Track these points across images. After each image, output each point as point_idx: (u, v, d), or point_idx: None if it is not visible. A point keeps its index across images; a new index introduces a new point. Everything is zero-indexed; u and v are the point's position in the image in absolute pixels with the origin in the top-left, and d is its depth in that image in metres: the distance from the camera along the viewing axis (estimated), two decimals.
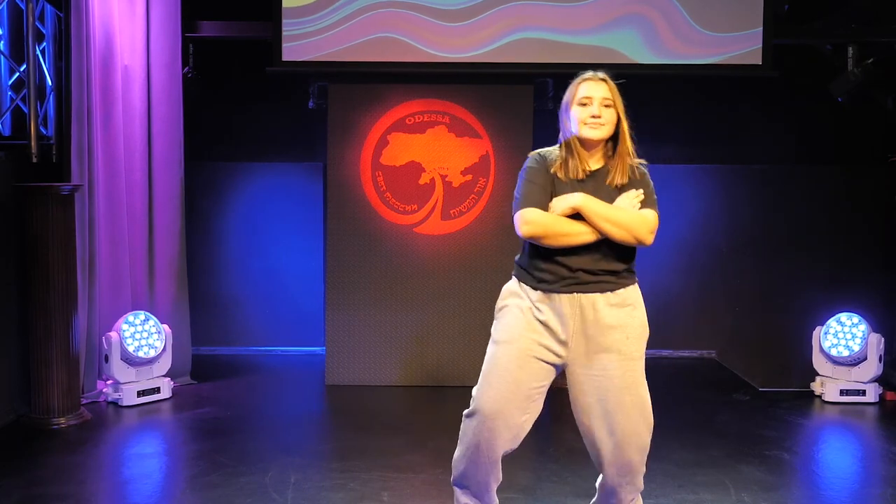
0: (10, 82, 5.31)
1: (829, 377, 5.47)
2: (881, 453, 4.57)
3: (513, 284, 3.08)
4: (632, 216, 2.97)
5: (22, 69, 5.17)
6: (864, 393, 5.34)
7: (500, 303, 3.09)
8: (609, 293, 2.97)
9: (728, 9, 5.61)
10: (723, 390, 5.71)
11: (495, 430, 2.97)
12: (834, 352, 5.45)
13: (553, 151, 3.05)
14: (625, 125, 3.00)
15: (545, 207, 2.94)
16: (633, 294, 3.04)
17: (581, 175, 2.98)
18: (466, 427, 3.06)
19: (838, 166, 6.60)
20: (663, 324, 6.66)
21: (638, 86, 6.23)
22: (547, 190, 2.97)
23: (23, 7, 5.08)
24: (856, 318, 5.47)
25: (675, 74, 5.80)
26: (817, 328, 5.57)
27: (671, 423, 4.92)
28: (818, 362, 5.54)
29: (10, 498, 3.76)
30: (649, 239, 3.03)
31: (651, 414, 3.03)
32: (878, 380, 5.42)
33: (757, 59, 5.64)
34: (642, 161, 3.09)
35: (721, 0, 5.61)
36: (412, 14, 5.59)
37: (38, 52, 5.18)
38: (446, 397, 5.52)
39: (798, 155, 6.64)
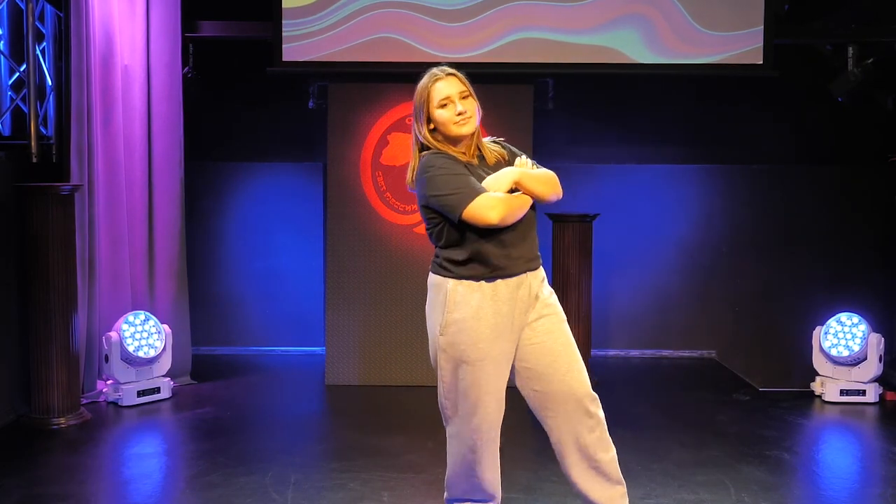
0: (10, 82, 5.31)
1: (829, 377, 5.47)
2: (881, 453, 4.57)
3: (450, 291, 2.98)
4: (548, 174, 3.06)
5: (22, 69, 5.17)
6: (864, 393, 5.34)
7: (447, 315, 2.98)
8: (535, 271, 3.04)
9: (728, 8, 5.61)
10: (723, 390, 5.71)
11: (493, 441, 3.05)
12: (834, 352, 5.45)
13: (442, 150, 3.04)
14: (477, 111, 3.06)
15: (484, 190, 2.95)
16: (542, 269, 3.12)
17: (472, 161, 3.03)
18: (459, 447, 3.06)
19: (838, 166, 6.60)
20: (663, 324, 6.67)
21: (638, 86, 6.31)
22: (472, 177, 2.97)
23: (23, 7, 5.09)
24: (856, 318, 5.47)
25: (676, 74, 5.80)
26: (817, 328, 5.57)
27: (671, 423, 4.92)
28: (818, 362, 5.54)
29: (10, 498, 3.76)
30: (561, 192, 3.08)
31: (587, 378, 3.09)
32: (878, 380, 5.42)
33: (757, 59, 5.64)
34: (493, 139, 3.17)
35: (721, 0, 5.61)
36: (412, 14, 5.59)
37: (38, 52, 5.18)
38: None
39: (798, 155, 6.64)
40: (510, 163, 3.07)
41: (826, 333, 5.51)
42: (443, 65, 3.16)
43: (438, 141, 3.04)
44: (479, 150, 3.08)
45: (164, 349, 5.40)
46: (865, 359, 5.36)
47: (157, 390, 5.34)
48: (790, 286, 6.59)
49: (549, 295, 3.08)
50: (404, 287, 5.78)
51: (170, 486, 4.05)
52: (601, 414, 3.06)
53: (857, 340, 5.40)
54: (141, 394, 5.25)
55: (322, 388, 5.75)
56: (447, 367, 3.01)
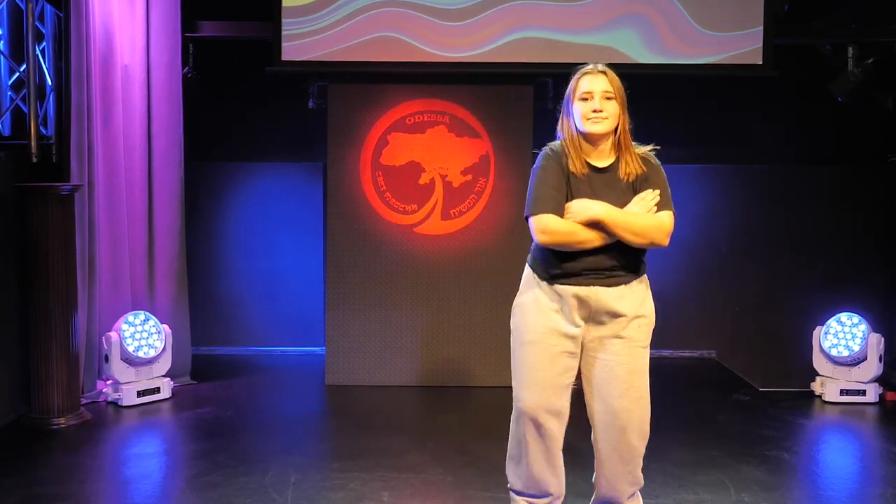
0: (10, 82, 5.31)
1: (829, 377, 5.47)
2: (881, 453, 4.57)
3: (528, 276, 3.14)
4: (649, 222, 2.99)
5: (22, 69, 5.17)
6: (864, 393, 5.34)
7: (518, 298, 3.15)
8: (620, 286, 3.03)
9: (728, 8, 5.61)
10: (723, 390, 5.71)
11: (544, 429, 3.08)
12: (834, 352, 5.45)
13: (562, 147, 3.04)
14: (624, 117, 3.01)
15: (560, 209, 2.96)
16: (641, 286, 3.12)
17: (584, 170, 2.99)
18: (517, 430, 3.15)
19: (838, 166, 6.60)
20: (663, 324, 6.59)
21: (638, 86, 6.29)
22: (562, 190, 2.98)
23: (23, 7, 5.08)
24: (856, 318, 5.47)
25: (675, 74, 5.79)
26: (817, 328, 5.57)
27: (671, 423, 4.92)
28: (818, 362, 5.54)
29: (11, 498, 3.76)
30: (665, 242, 3.05)
31: (649, 404, 3.12)
32: (878, 380, 5.42)
33: (757, 59, 5.64)
34: (654, 147, 3.12)
35: (721, 0, 5.61)
36: (412, 14, 5.59)
37: (38, 52, 5.18)
38: (447, 397, 5.52)
39: (798, 155, 6.64)
40: (640, 183, 3.01)
41: (826, 333, 5.51)
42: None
43: (572, 136, 3.01)
44: (619, 159, 3.03)
45: (164, 349, 5.40)
46: (865, 359, 5.36)
47: (157, 390, 5.33)
48: (790, 286, 6.59)
49: (632, 316, 3.06)
50: (404, 287, 5.78)
51: (170, 486, 4.05)
52: (641, 448, 3.09)
53: (857, 340, 5.40)
54: (141, 394, 5.25)
55: (322, 388, 5.74)
56: (513, 346, 3.13)
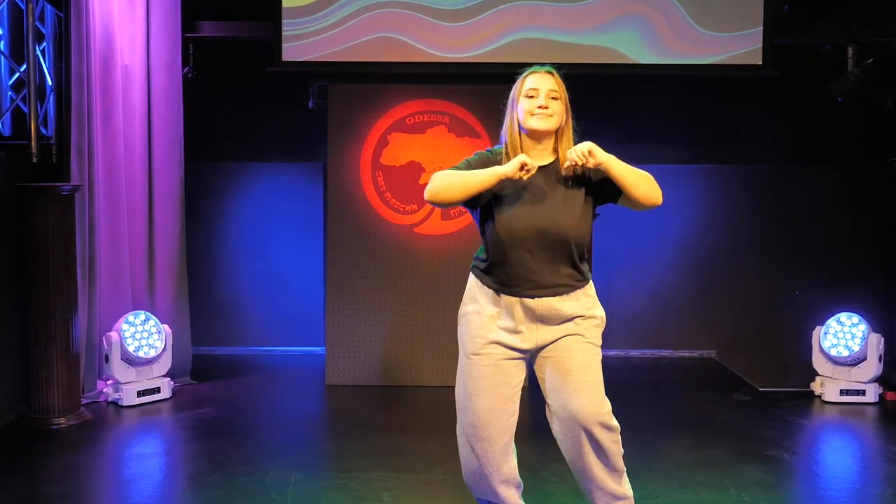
0: (10, 82, 5.31)
1: (829, 377, 5.47)
2: (881, 453, 4.57)
3: (472, 288, 3.09)
4: (645, 173, 2.96)
5: (22, 69, 5.17)
6: (864, 393, 5.34)
7: (462, 308, 3.11)
8: (563, 295, 2.98)
9: (728, 9, 5.61)
10: (723, 390, 5.71)
11: (489, 440, 3.03)
12: (834, 352, 5.45)
13: (500, 151, 3.03)
14: (569, 118, 3.01)
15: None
16: (588, 292, 3.05)
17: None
18: (461, 444, 3.13)
19: (838, 166, 6.60)
20: (663, 324, 6.67)
21: (638, 86, 6.31)
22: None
23: (23, 7, 5.08)
24: (856, 318, 5.47)
25: (675, 74, 5.80)
26: (817, 328, 5.57)
27: (671, 423, 4.92)
28: (818, 362, 5.54)
29: (11, 498, 3.76)
30: (660, 195, 3.00)
31: (605, 397, 3.02)
32: (878, 380, 5.42)
33: (757, 59, 5.64)
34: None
35: (721, 0, 5.61)
36: (412, 14, 5.59)
37: (38, 52, 5.18)
38: (447, 397, 5.50)
39: (798, 155, 6.64)
40: (581, 176, 2.96)
41: (826, 333, 5.51)
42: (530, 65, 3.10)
43: (513, 136, 3.01)
44: (558, 159, 2.99)
45: (164, 349, 5.40)
46: (865, 359, 5.36)
47: (158, 390, 5.33)
48: (790, 286, 6.59)
49: (581, 317, 3.01)
50: (404, 287, 5.79)
51: (170, 486, 4.05)
52: (610, 439, 2.99)
53: (857, 340, 5.40)
54: (141, 394, 5.25)
55: (322, 388, 5.75)
56: (460, 356, 3.11)
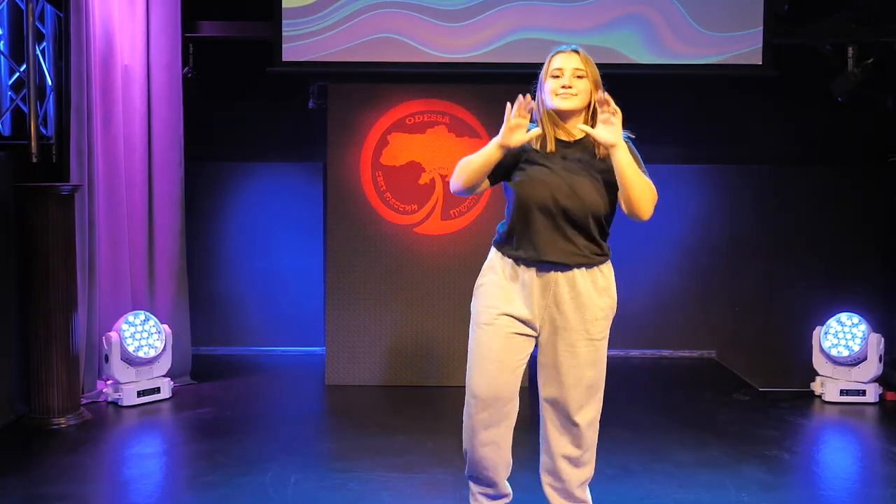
0: (10, 82, 5.31)
1: (829, 377, 5.47)
2: (881, 453, 4.57)
3: (492, 258, 3.15)
4: (650, 182, 2.98)
5: (22, 69, 5.17)
6: (864, 393, 5.34)
7: (479, 279, 3.17)
8: (581, 269, 3.02)
9: (728, 9, 5.61)
10: (723, 390, 5.71)
11: (493, 413, 3.06)
12: (834, 352, 5.45)
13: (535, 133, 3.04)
14: (596, 96, 3.00)
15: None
16: (604, 272, 3.10)
17: (553, 148, 2.99)
18: (465, 414, 3.13)
19: (838, 166, 6.60)
20: (663, 324, 6.67)
21: (638, 86, 6.30)
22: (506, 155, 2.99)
23: (23, 7, 5.08)
24: (856, 318, 5.47)
25: (675, 74, 5.80)
26: (817, 328, 5.57)
27: (671, 423, 4.92)
28: (818, 362, 5.54)
29: (10, 498, 3.76)
30: (651, 211, 3.02)
31: (601, 395, 3.10)
32: (878, 380, 5.42)
33: (757, 59, 5.64)
34: (629, 134, 3.06)
35: (721, 0, 5.61)
36: (412, 14, 5.59)
37: (38, 52, 5.18)
38: (446, 397, 5.51)
39: (798, 155, 6.64)
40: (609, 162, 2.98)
41: (826, 333, 5.51)
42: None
43: (545, 114, 3.03)
44: (590, 137, 3.00)
45: (164, 349, 5.40)
46: (865, 359, 5.36)
47: (157, 390, 5.33)
48: (790, 286, 6.59)
49: (591, 306, 3.04)
50: (405, 287, 5.79)
51: (170, 486, 4.05)
52: (592, 438, 3.09)
53: (857, 340, 5.40)
54: (141, 394, 5.25)
55: (322, 388, 5.75)
56: (471, 329, 3.13)
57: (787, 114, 6.54)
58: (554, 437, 3.14)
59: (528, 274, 3.03)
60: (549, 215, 2.97)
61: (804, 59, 6.29)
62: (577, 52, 3.03)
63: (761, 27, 5.61)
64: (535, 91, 3.10)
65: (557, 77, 3.00)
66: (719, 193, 6.63)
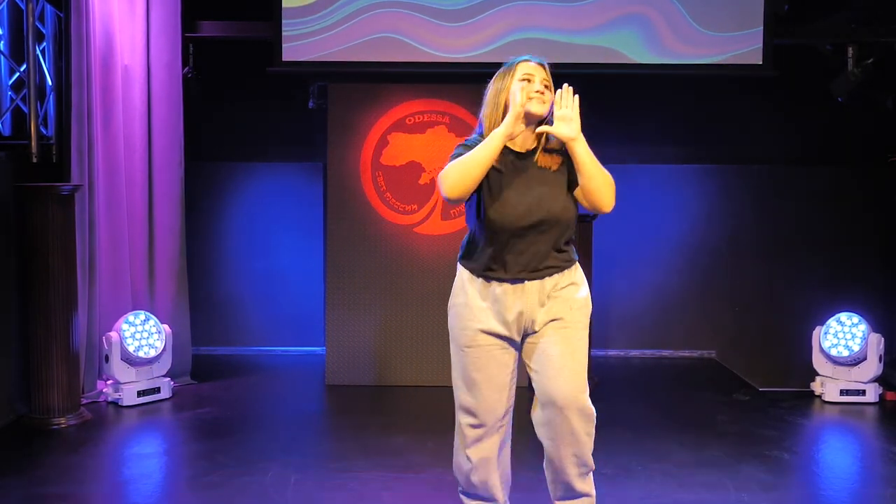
0: (10, 82, 5.31)
1: (829, 377, 5.47)
2: (881, 453, 4.57)
3: (460, 277, 3.14)
4: (607, 174, 2.98)
5: (22, 69, 5.17)
6: (864, 393, 5.34)
7: (451, 299, 3.17)
8: (553, 276, 3.03)
9: (728, 9, 5.61)
10: (723, 390, 5.71)
11: (488, 431, 3.10)
12: (834, 352, 5.45)
13: (477, 141, 3.00)
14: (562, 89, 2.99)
15: None
16: (574, 275, 3.09)
17: (505, 157, 2.95)
18: (459, 434, 3.16)
19: (838, 166, 6.60)
20: (663, 324, 6.67)
21: (638, 86, 6.31)
22: None
23: (23, 7, 5.08)
24: (856, 318, 5.47)
25: (675, 74, 5.80)
26: (817, 328, 5.57)
27: (671, 423, 4.92)
28: (818, 362, 5.54)
29: (10, 498, 3.76)
30: (612, 202, 3.01)
31: (586, 384, 3.05)
32: (878, 380, 5.42)
33: (757, 59, 5.64)
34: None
35: (721, 0, 5.61)
36: (412, 14, 5.59)
37: (38, 52, 5.18)
38: (446, 397, 5.48)
39: (798, 155, 6.64)
40: (565, 164, 2.99)
41: (826, 333, 5.51)
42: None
43: (497, 122, 2.97)
44: (539, 146, 3.00)
45: (164, 349, 5.40)
46: (865, 359, 5.36)
47: (157, 390, 5.33)
48: (790, 286, 6.59)
49: (565, 299, 3.03)
50: (404, 287, 5.79)
51: (170, 486, 4.05)
52: (585, 428, 3.02)
53: (857, 340, 5.40)
54: (141, 394, 5.25)
55: (322, 388, 5.75)
56: (451, 348, 3.18)
57: (787, 114, 6.54)
58: (551, 440, 3.10)
59: (500, 288, 3.03)
60: (517, 234, 2.97)
61: (804, 59, 6.29)
62: (542, 65, 3.04)
63: (761, 27, 5.61)
64: (485, 94, 3.07)
65: (529, 81, 2.98)
66: (719, 193, 6.63)
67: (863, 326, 5.43)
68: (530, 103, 2.95)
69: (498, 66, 5.88)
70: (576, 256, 3.12)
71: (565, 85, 2.92)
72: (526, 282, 3.01)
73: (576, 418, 2.99)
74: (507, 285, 3.02)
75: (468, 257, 3.11)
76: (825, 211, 6.59)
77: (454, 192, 2.87)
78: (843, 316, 5.49)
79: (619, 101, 6.39)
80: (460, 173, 2.86)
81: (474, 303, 3.06)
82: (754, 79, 6.11)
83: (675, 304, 6.64)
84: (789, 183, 6.61)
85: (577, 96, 2.92)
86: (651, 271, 6.60)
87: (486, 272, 3.04)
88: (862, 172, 6.57)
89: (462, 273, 3.14)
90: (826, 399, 5.39)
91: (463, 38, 5.60)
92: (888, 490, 3.96)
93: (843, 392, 5.36)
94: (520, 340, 3.10)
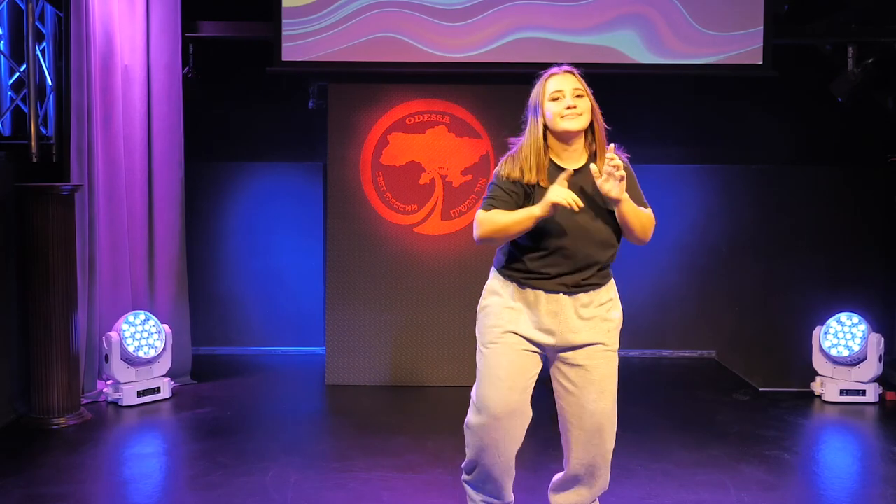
0: (10, 82, 5.31)
1: (829, 377, 5.47)
2: (881, 453, 4.57)
3: (494, 282, 3.13)
4: (650, 217, 3.03)
5: (22, 69, 5.17)
6: (864, 393, 5.34)
7: (482, 302, 3.15)
8: (589, 293, 3.03)
9: (728, 8, 5.61)
10: (723, 390, 5.71)
11: (508, 431, 3.07)
12: (834, 352, 5.45)
13: (527, 157, 2.97)
14: (598, 115, 3.00)
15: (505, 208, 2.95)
16: (609, 291, 3.11)
17: (543, 177, 2.94)
18: (476, 432, 3.10)
19: (838, 166, 6.60)
20: (663, 324, 6.67)
21: (638, 86, 6.30)
22: (516, 193, 2.95)
23: (23, 7, 5.09)
24: (856, 318, 5.47)
25: (675, 74, 5.80)
26: (817, 328, 5.57)
27: (671, 423, 4.92)
28: (818, 362, 5.54)
29: (10, 498, 3.76)
30: (649, 239, 3.10)
31: (616, 407, 3.12)
32: (878, 380, 5.42)
33: (757, 59, 5.64)
34: (625, 153, 3.04)
35: (721, 0, 5.61)
36: (412, 14, 5.59)
37: (38, 52, 5.18)
38: (446, 397, 5.52)
39: (798, 155, 6.64)
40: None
41: (826, 333, 5.51)
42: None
43: (538, 140, 2.97)
44: (593, 156, 2.99)
45: (164, 349, 5.40)
46: (865, 359, 5.36)
47: (157, 390, 5.34)
48: (790, 286, 6.59)
49: (603, 320, 3.05)
50: (404, 287, 5.79)
51: (170, 486, 4.05)
52: (611, 450, 3.12)
53: (857, 340, 5.40)
54: (141, 394, 5.25)
55: (322, 388, 5.75)
56: (477, 354, 3.13)
57: (787, 114, 6.54)
58: (579, 460, 3.14)
59: (534, 295, 3.01)
60: (562, 255, 2.96)
61: (804, 59, 6.30)
62: (571, 72, 3.01)
63: (761, 27, 5.61)
64: (525, 118, 3.05)
65: (558, 99, 2.95)
66: (719, 193, 6.63)
67: (863, 326, 5.43)
68: (563, 122, 2.92)
69: (498, 65, 5.90)
70: (611, 275, 3.13)
71: (612, 145, 2.88)
72: (562, 294, 2.99)
73: (609, 441, 3.10)
74: (541, 293, 3.00)
75: (505, 266, 3.08)
76: (825, 211, 6.59)
77: (485, 242, 2.99)
78: (843, 316, 5.49)
79: (619, 101, 6.35)
80: (494, 231, 2.93)
81: (507, 303, 3.04)
82: (754, 79, 6.11)
83: (674, 304, 6.64)
84: (789, 183, 6.61)
85: (626, 157, 2.96)
86: (651, 271, 6.60)
87: (525, 279, 3.02)
88: (862, 172, 6.57)
89: (496, 278, 3.12)
90: (826, 399, 5.39)
91: (463, 38, 5.60)
92: (888, 490, 3.96)
93: (843, 392, 5.36)
94: (549, 353, 3.08)
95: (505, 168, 3.01)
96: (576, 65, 3.15)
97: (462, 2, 5.59)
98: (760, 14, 5.61)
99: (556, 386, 3.12)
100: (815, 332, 5.58)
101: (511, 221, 2.89)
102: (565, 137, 2.96)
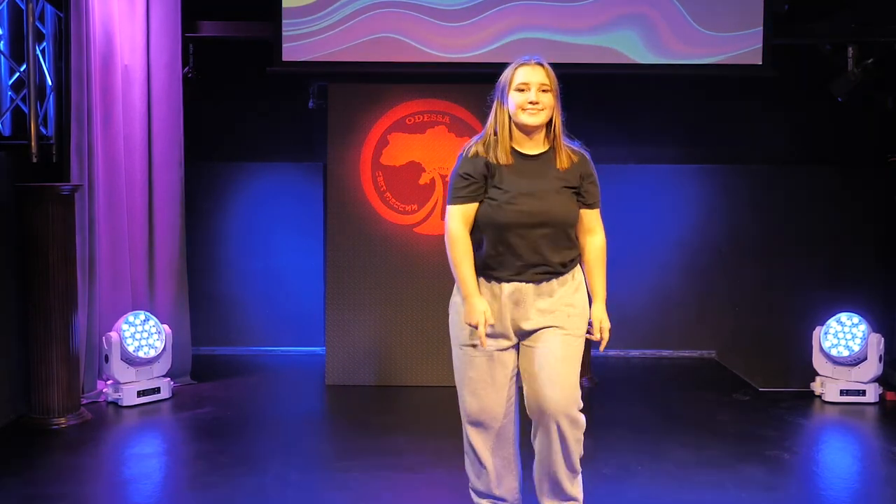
0: (10, 82, 5.31)
1: (829, 377, 5.47)
2: (881, 453, 4.57)
3: None
4: (603, 250, 3.16)
5: (22, 69, 5.17)
6: (864, 393, 5.34)
7: (453, 297, 3.26)
8: (552, 282, 3.06)
9: (728, 9, 5.61)
10: (723, 390, 5.71)
11: (494, 429, 3.12)
12: (834, 352, 5.45)
13: (487, 138, 3.07)
14: (558, 112, 3.04)
15: (472, 201, 3.04)
16: (573, 281, 3.12)
17: (509, 160, 3.01)
18: (468, 437, 3.18)
19: (838, 166, 6.60)
20: (663, 324, 6.67)
21: (638, 86, 6.30)
22: (478, 180, 3.03)
23: (23, 7, 5.08)
24: (856, 318, 5.47)
25: (675, 74, 5.80)
26: (817, 328, 5.57)
27: (671, 423, 4.92)
28: (818, 362, 5.54)
29: (10, 498, 3.76)
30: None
31: (578, 392, 3.09)
32: (878, 380, 5.42)
33: (757, 59, 5.64)
34: (581, 145, 3.14)
35: (721, 0, 5.61)
36: (412, 14, 5.59)
37: (38, 52, 5.18)
38: (446, 397, 5.49)
39: (798, 155, 6.64)
40: (573, 173, 3.05)
41: (826, 333, 5.51)
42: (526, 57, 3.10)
43: (503, 124, 3.04)
44: (555, 150, 3.06)
45: (164, 349, 5.40)
46: (865, 359, 5.36)
47: (157, 390, 5.33)
48: (790, 286, 6.59)
49: (566, 305, 3.06)
50: (404, 287, 5.78)
51: (170, 486, 4.05)
52: (574, 435, 3.06)
53: (857, 340, 5.40)
54: (141, 394, 5.25)
55: (322, 388, 5.75)
56: (453, 346, 3.24)
57: (787, 114, 6.54)
58: (541, 443, 3.12)
59: (499, 288, 3.07)
60: (522, 237, 3.01)
61: (804, 59, 6.29)
62: (541, 64, 3.05)
63: (761, 27, 5.61)
64: (492, 98, 3.11)
65: (523, 91, 3.00)
66: (719, 193, 6.63)
67: (863, 326, 5.43)
68: (523, 115, 3.00)
69: (498, 65, 5.86)
70: (578, 262, 3.14)
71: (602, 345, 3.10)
72: (524, 283, 3.03)
73: (565, 426, 3.03)
74: (504, 284, 3.05)
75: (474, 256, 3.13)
76: (825, 211, 6.59)
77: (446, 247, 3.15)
78: (843, 316, 5.49)
79: (619, 101, 6.39)
80: (451, 257, 3.16)
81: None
82: (754, 79, 6.11)
83: (674, 305, 6.64)
84: (789, 183, 6.61)
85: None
86: (651, 271, 6.60)
87: (487, 270, 3.08)
88: (862, 172, 6.57)
89: None
90: (826, 399, 5.39)
91: (463, 38, 5.60)
92: (888, 490, 3.96)
93: (843, 392, 5.35)
94: (517, 341, 3.13)
95: (472, 150, 3.07)
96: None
97: (462, 2, 5.59)
98: (760, 14, 5.61)
99: (521, 373, 3.15)
100: (815, 333, 5.57)
101: (458, 271, 3.11)
102: (525, 130, 3.04)
